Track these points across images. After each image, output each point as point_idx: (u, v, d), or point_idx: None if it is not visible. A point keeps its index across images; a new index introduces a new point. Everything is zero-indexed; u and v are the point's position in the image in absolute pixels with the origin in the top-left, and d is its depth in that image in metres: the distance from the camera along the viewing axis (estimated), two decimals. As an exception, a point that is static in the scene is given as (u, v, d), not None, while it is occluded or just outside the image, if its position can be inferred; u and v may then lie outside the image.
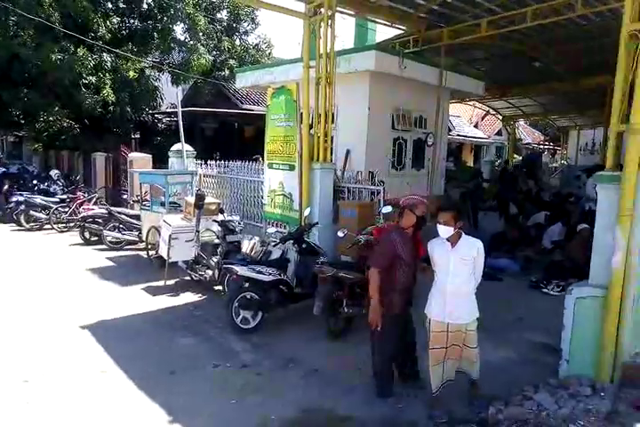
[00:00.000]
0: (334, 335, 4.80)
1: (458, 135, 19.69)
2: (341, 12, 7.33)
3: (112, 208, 8.96)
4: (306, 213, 6.12)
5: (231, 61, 17.73)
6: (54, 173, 12.27)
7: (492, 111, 16.61)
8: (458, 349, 3.47)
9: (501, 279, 6.65)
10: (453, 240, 3.40)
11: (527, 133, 24.38)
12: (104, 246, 8.54)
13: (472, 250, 3.42)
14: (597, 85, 9.64)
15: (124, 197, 11.11)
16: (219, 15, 18.55)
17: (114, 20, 13.53)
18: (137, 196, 9.00)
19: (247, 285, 5.02)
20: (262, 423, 3.38)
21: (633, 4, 3.63)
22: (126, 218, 8.72)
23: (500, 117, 17.01)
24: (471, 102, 15.06)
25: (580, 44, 9.03)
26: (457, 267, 3.37)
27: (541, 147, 23.73)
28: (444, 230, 3.37)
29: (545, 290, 6.45)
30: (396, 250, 3.49)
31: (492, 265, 6.56)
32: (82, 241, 8.90)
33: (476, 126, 22.57)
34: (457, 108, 19.64)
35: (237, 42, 19.15)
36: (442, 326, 3.40)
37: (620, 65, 3.76)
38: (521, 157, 18.12)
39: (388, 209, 5.78)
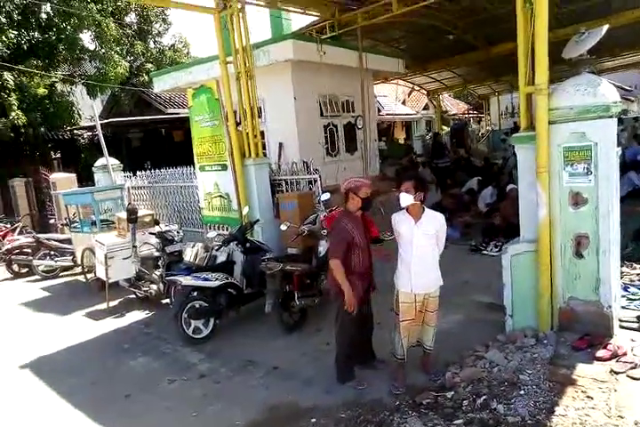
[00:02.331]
0: (290, 330, 4.75)
1: (388, 114, 19.94)
2: (251, 4, 7.15)
3: (39, 235, 8.40)
4: (244, 211, 6.01)
5: (148, 65, 17.02)
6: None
7: (416, 87, 16.95)
8: (421, 314, 3.57)
9: (445, 247, 6.82)
10: (416, 214, 3.46)
11: (452, 105, 25.22)
12: (37, 277, 8.03)
13: (435, 224, 3.50)
14: (508, 52, 10.03)
15: (52, 221, 10.43)
16: (127, 19, 17.69)
17: (10, 35, 12.48)
18: (65, 218, 8.48)
19: (195, 294, 4.86)
20: (227, 430, 3.29)
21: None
22: (57, 243, 8.17)
23: (425, 92, 17.41)
24: (395, 81, 15.28)
25: (487, 13, 9.33)
26: (420, 240, 3.45)
27: (467, 116, 24.62)
28: (405, 198, 3.42)
29: (485, 252, 6.66)
30: (349, 235, 3.50)
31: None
32: (10, 275, 8.31)
33: (403, 103, 22.97)
34: (383, 88, 19.92)
35: (151, 44, 18.39)
36: (410, 296, 3.47)
37: (520, 29, 3.88)
38: (449, 128, 18.70)
39: (326, 196, 5.78)
